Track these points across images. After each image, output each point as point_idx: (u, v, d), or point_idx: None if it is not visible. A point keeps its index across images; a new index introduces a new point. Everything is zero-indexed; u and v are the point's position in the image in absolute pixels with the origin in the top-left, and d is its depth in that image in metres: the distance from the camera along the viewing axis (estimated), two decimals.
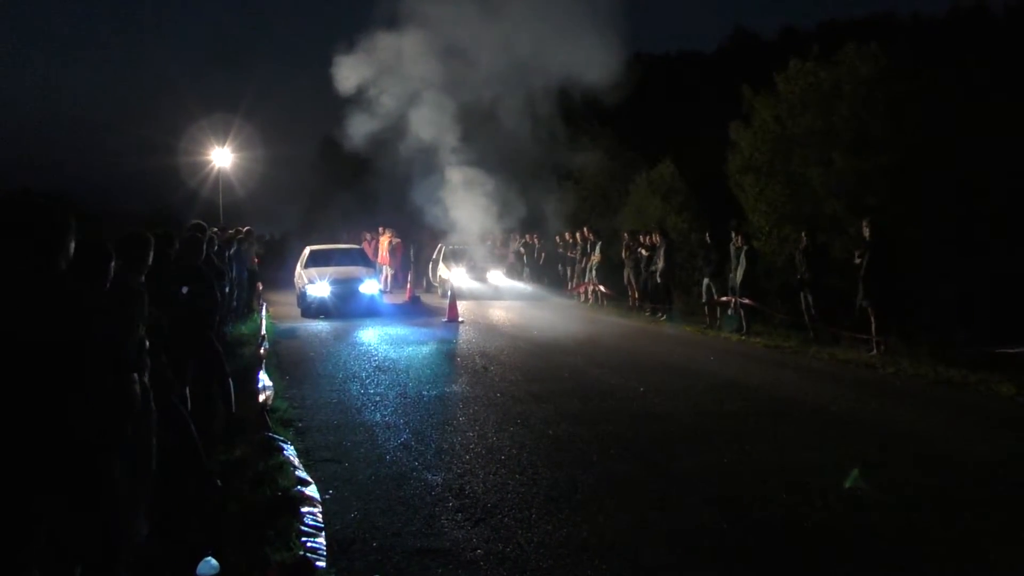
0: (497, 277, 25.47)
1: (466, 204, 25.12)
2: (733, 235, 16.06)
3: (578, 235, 23.91)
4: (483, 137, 26.25)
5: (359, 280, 19.31)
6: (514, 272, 27.73)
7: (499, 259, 28.59)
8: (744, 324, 15.46)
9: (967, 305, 14.44)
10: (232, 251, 14.87)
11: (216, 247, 11.16)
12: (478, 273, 24.80)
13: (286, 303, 20.85)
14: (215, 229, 13.40)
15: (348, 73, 23.53)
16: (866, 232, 13.11)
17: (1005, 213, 15.15)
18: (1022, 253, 14.85)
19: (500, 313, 19.89)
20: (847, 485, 6.18)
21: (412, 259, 26.98)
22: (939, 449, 7.33)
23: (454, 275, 24.14)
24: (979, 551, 4.99)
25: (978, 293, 14.67)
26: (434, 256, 26.93)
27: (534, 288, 26.24)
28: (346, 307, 18.61)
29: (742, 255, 15.73)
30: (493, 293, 24.26)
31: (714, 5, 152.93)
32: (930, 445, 7.49)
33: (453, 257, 25.75)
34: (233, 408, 7.99)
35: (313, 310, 18.68)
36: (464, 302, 18.08)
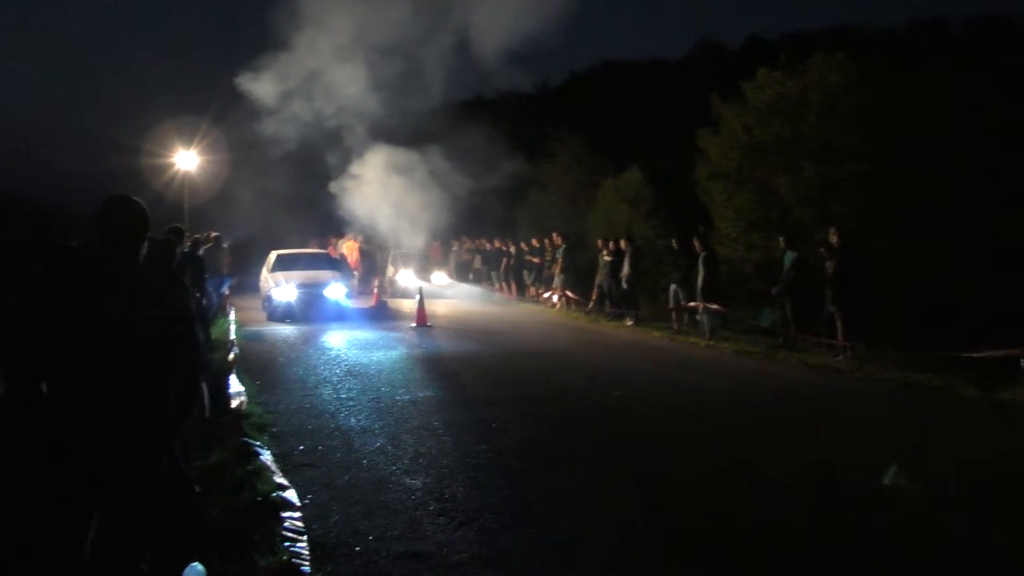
0: (441, 278, 26.47)
1: (421, 208, 25.58)
2: (695, 241, 16.32)
3: (547, 241, 23.94)
4: (443, 141, 26.56)
5: (324, 284, 19.28)
6: (480, 276, 28.00)
7: (464, 264, 28.95)
8: (710, 329, 15.60)
9: (933, 310, 14.65)
10: (202, 255, 14.81)
11: (199, 251, 11.10)
12: (425, 275, 25.54)
13: (252, 308, 20.65)
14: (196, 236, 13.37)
15: (268, 84, 23.92)
16: (833, 239, 13.28)
17: (970, 219, 15.40)
18: (986, 258, 15.12)
19: (468, 318, 19.87)
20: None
21: (379, 264, 26.97)
22: (911, 453, 7.43)
23: (402, 277, 25.23)
24: (963, 553, 5.07)
25: (944, 298, 14.88)
26: (385, 258, 27.30)
27: (500, 293, 26.37)
28: (312, 311, 18.57)
29: (699, 261, 15.91)
30: (450, 295, 25.31)
31: (679, 15, 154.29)
32: (900, 449, 7.58)
33: (403, 260, 26.49)
34: (207, 413, 7.91)
35: (279, 314, 18.62)
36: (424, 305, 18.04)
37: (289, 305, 18.63)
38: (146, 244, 3.44)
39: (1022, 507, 5.85)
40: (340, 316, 18.83)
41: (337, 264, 22.76)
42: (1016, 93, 16.70)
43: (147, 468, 3.26)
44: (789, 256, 14.45)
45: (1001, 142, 15.83)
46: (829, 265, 13.15)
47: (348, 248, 27.21)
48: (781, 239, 14.94)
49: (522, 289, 25.90)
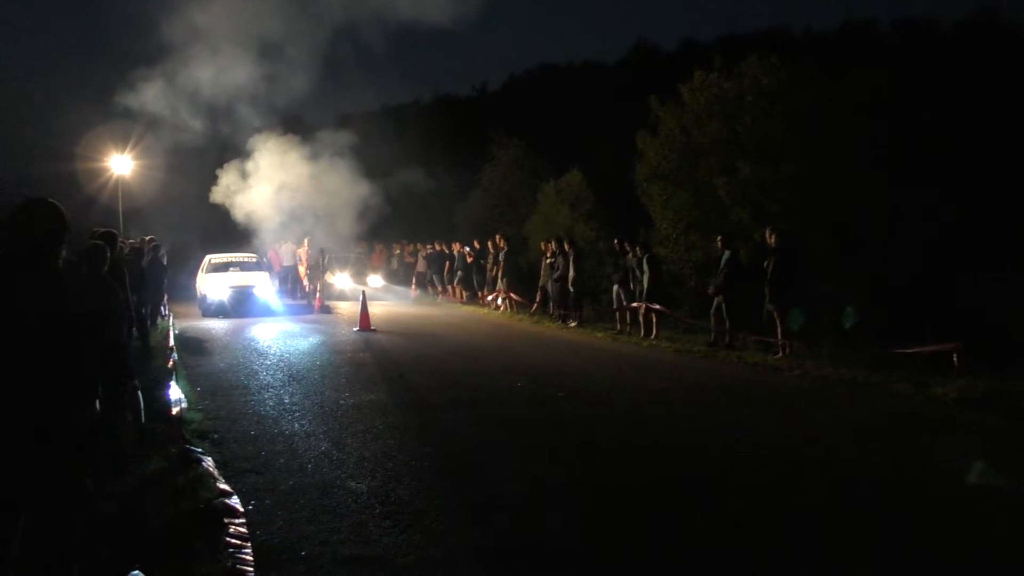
0: (376, 281, 28.01)
1: (355, 211, 25.88)
2: (628, 246, 16.62)
3: (489, 243, 23.94)
4: (379, 145, 26.52)
5: (253, 284, 21.31)
6: (422, 280, 28.02)
7: (406, 267, 29.03)
8: (654, 329, 15.77)
9: (865, 307, 14.98)
10: (145, 260, 14.77)
11: (144, 258, 10.94)
12: (361, 278, 27.22)
13: (189, 313, 20.93)
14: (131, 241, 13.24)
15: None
16: (771, 239, 13.51)
17: (905, 217, 15.82)
18: (922, 256, 15.53)
19: (411, 322, 19.82)
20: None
21: (323, 268, 26.80)
22: (846, 449, 7.60)
23: (338, 280, 26.71)
24: (894, 547, 5.20)
25: (875, 295, 15.25)
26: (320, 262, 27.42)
27: (444, 297, 26.36)
28: (241, 308, 20.50)
29: (644, 263, 16.10)
30: (391, 299, 26.15)
31: (614, 18, 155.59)
32: (838, 445, 7.75)
33: (338, 263, 27.61)
34: (142, 419, 7.75)
35: (212, 311, 20.59)
36: (356, 308, 18.32)
37: (221, 303, 20.61)
38: (64, 246, 3.41)
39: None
40: (268, 313, 20.57)
41: (265, 267, 24.30)
42: (942, 94, 17.22)
43: (69, 471, 3.19)
44: (726, 255, 14.66)
45: (931, 141, 16.30)
46: (767, 264, 13.37)
47: (292, 252, 27.01)
48: (719, 238, 15.15)
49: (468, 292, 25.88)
